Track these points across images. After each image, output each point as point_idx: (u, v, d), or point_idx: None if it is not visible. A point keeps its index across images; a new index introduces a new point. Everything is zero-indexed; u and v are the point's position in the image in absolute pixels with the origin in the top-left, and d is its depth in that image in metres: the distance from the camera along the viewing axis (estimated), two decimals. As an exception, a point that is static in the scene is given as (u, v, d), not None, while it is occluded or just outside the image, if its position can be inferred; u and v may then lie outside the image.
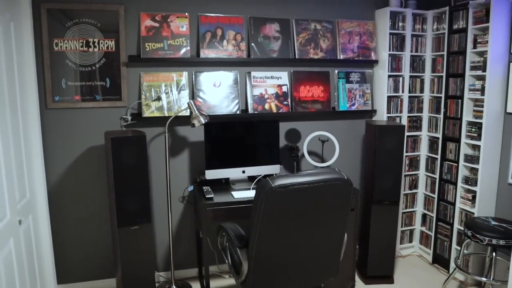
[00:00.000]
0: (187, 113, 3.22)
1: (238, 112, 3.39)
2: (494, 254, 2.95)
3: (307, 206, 2.23)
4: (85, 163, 3.20)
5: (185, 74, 3.26)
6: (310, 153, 3.71)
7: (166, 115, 3.22)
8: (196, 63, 3.31)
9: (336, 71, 3.70)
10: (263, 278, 2.35)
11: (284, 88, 3.52)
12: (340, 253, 2.55)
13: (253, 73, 3.43)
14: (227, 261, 2.67)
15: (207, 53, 3.26)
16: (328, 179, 2.24)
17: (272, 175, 2.53)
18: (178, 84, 3.24)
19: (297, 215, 2.23)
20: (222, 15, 3.30)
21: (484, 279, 2.97)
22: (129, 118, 3.16)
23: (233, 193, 3.07)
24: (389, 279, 3.55)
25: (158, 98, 3.21)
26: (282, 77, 3.51)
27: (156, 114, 3.21)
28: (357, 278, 3.58)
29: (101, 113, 3.19)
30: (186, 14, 3.21)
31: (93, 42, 3.07)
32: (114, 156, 2.71)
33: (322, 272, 2.51)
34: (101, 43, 3.08)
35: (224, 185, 3.31)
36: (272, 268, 2.34)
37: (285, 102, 3.52)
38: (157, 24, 3.14)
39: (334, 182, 2.26)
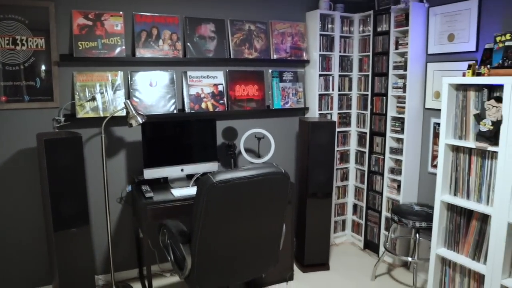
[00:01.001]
0: (124, 113, 3.19)
1: (175, 112, 3.41)
2: (417, 235, 3.23)
3: (248, 199, 2.32)
4: (14, 167, 3.06)
5: (120, 73, 3.22)
6: (247, 150, 3.81)
7: (102, 115, 3.16)
8: (131, 62, 3.28)
9: (270, 71, 3.83)
10: (206, 272, 2.41)
11: (220, 87, 3.59)
12: (280, 244, 2.67)
13: (189, 73, 3.47)
14: (169, 258, 2.69)
15: (142, 52, 3.25)
16: (267, 173, 2.35)
17: (210, 172, 2.59)
18: (113, 84, 3.20)
19: (238, 209, 2.32)
20: (157, 14, 3.30)
21: (409, 259, 3.24)
22: (62, 119, 3.07)
23: (173, 191, 3.09)
24: (325, 266, 3.74)
25: (93, 98, 3.15)
26: (218, 77, 3.58)
27: (91, 114, 3.14)
28: (295, 267, 3.74)
29: (31, 115, 3.06)
30: (121, 12, 3.18)
31: (21, 40, 2.94)
32: (49, 158, 2.63)
33: (263, 263, 2.62)
34: (30, 41, 2.96)
35: (163, 184, 3.32)
36: (215, 261, 2.41)
37: (221, 101, 3.59)
38: (90, 23, 3.08)
39: (273, 176, 2.37)
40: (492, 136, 2.47)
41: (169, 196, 3.01)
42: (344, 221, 4.37)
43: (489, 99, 2.51)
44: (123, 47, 3.18)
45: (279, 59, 3.80)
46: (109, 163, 3.34)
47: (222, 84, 3.59)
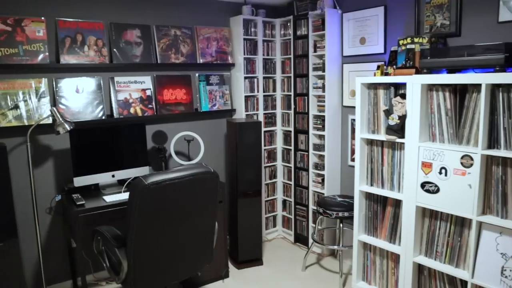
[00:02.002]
0: (50, 121, 3.13)
1: (103, 118, 3.40)
2: (341, 225, 3.48)
3: (180, 199, 2.41)
4: None
5: (44, 80, 3.16)
6: (177, 153, 3.88)
7: (26, 124, 3.09)
8: (56, 69, 3.24)
9: (197, 74, 3.93)
10: (143, 273, 2.47)
11: (148, 92, 3.63)
12: (213, 241, 2.79)
13: (116, 78, 3.47)
14: (105, 264, 2.70)
15: (67, 59, 3.21)
16: (196, 173, 2.45)
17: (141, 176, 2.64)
18: (37, 91, 3.14)
19: (171, 209, 2.40)
20: (81, 20, 3.28)
21: (335, 247, 3.48)
22: (-18, 129, 2.97)
23: (105, 197, 3.09)
24: (259, 261, 3.90)
25: (16, 107, 3.07)
26: (145, 82, 3.62)
27: (14, 123, 3.06)
28: (230, 264, 3.87)
29: None
30: (42, 18, 3.12)
31: None
32: (-30, 170, 2.55)
33: (198, 260, 2.72)
34: None
35: (94, 191, 3.30)
36: (151, 262, 2.47)
37: (150, 106, 3.64)
38: (9, 28, 3.00)
39: (202, 175, 2.48)
40: (399, 129, 2.76)
41: (101, 202, 3.01)
42: (275, 217, 4.56)
43: (395, 96, 2.80)
44: (47, 54, 3.13)
45: (205, 63, 3.92)
46: (36, 172, 3.26)
47: (150, 89, 3.63)
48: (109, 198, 3.06)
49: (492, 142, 2.39)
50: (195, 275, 3.42)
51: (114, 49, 3.42)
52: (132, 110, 3.54)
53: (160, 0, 3.68)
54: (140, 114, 3.57)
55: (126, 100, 3.51)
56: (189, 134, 3.71)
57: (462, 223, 2.60)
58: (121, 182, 3.43)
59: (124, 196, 3.07)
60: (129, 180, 3.38)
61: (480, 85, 2.36)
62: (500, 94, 2.30)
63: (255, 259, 3.90)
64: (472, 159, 2.42)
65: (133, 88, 3.56)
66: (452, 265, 2.67)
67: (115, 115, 3.46)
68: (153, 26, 3.62)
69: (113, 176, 3.34)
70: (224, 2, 4.05)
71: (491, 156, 2.39)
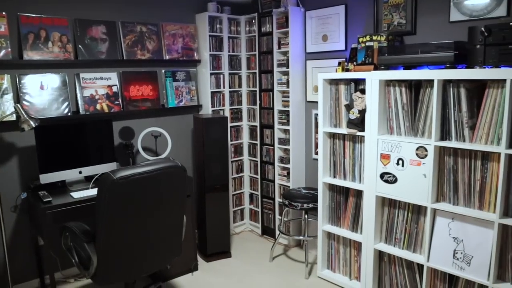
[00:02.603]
0: (14, 118, 3.10)
1: (69, 114, 3.39)
2: (306, 216, 3.61)
3: (148, 193, 2.46)
4: None
5: (7, 77, 3.12)
6: (144, 148, 3.90)
7: (-11, 121, 3.05)
8: (19, 65, 3.19)
9: (163, 71, 3.96)
10: (113, 267, 2.50)
11: (115, 88, 3.64)
12: (182, 234, 2.85)
13: (82, 75, 3.46)
14: (74, 260, 2.71)
15: (31, 55, 3.18)
16: (164, 167, 2.50)
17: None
18: None
19: (140, 203, 2.44)
20: (44, 16, 3.25)
21: (301, 237, 3.61)
22: None
23: (72, 194, 3.09)
24: (227, 254, 3.98)
25: (-22, 104, 3.02)
26: (111, 78, 3.62)
27: (-24, 120, 3.01)
28: (199, 258, 3.93)
29: None
30: (4, 13, 3.07)
31: None
32: None
33: (168, 254, 2.77)
34: None
35: (61, 188, 3.29)
36: (121, 256, 2.51)
37: (116, 102, 3.64)
38: (-31, 25, 2.95)
39: (170, 169, 2.53)
40: (360, 123, 2.90)
41: (69, 199, 3.01)
42: (242, 211, 4.65)
43: (355, 91, 2.93)
44: (9, 50, 3.09)
45: (172, 59, 3.95)
46: (0, 170, 3.23)
47: (116, 85, 3.64)
48: (77, 194, 3.06)
49: (444, 134, 2.55)
50: (164, 268, 3.47)
51: (79, 46, 3.41)
52: (98, 107, 3.54)
53: (125, -4, 3.69)
54: (106, 110, 3.58)
55: (92, 97, 3.51)
56: (156, 130, 3.74)
57: (418, 210, 2.77)
58: (88, 179, 3.42)
59: (92, 192, 3.08)
60: (96, 176, 3.39)
61: (433, 80, 2.52)
62: (451, 89, 2.46)
63: (223, 252, 3.98)
64: (426, 150, 2.58)
65: (99, 85, 3.55)
66: (410, 251, 2.84)
67: (81, 111, 3.45)
68: (119, 22, 3.63)
69: (80, 172, 3.34)
70: (190, -2, 4.10)
71: (444, 147, 2.56)
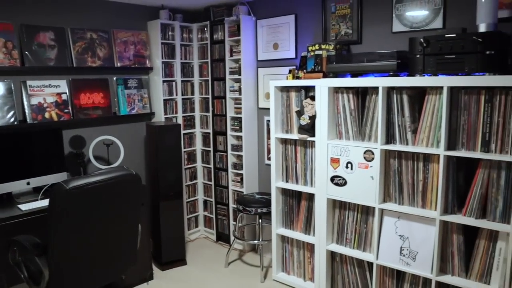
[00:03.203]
0: (-45, 127, 2.97)
1: (15, 123, 3.28)
2: (260, 221, 3.67)
3: (102, 203, 2.43)
4: None
5: None
6: (96, 157, 3.83)
7: None
8: (-40, 73, 3.07)
9: (114, 78, 3.91)
10: (66, 280, 2.45)
11: (64, 96, 3.56)
12: (137, 243, 2.83)
13: (29, 82, 3.36)
14: (23, 276, 2.62)
15: (-27, 62, 3.06)
16: (119, 175, 2.49)
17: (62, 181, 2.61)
18: None
19: (94, 213, 2.41)
20: (-13, 22, 3.14)
21: (255, 242, 3.67)
22: None
23: (20, 206, 2.99)
24: (183, 261, 3.98)
25: None
26: (61, 85, 3.54)
27: None
28: (154, 266, 3.89)
29: None
30: None
31: None
32: None
33: (123, 263, 2.74)
34: None
35: (7, 200, 3.17)
36: (75, 268, 2.46)
37: (66, 110, 3.57)
38: None
39: (125, 178, 2.52)
40: (310, 128, 3.01)
41: (16, 211, 2.90)
42: (196, 218, 4.65)
43: (306, 98, 3.04)
44: (-51, 57, 2.96)
45: (123, 66, 3.91)
46: None
47: (66, 93, 3.56)
48: (25, 207, 2.97)
49: (389, 138, 2.71)
50: (119, 279, 3.41)
51: (26, 52, 3.31)
52: (47, 115, 3.44)
53: (75, 2, 3.62)
54: (55, 119, 3.49)
55: (40, 105, 3.41)
56: (108, 138, 3.69)
57: (367, 211, 2.90)
58: (37, 190, 3.32)
59: (42, 203, 3.00)
60: (46, 187, 3.30)
61: (377, 88, 2.67)
62: (394, 95, 2.62)
63: (179, 260, 3.96)
64: (373, 153, 2.72)
65: (48, 92, 3.46)
66: (360, 250, 2.97)
67: (29, 120, 3.35)
68: (68, 28, 3.56)
69: (28, 183, 3.23)
70: (142, 6, 4.07)
71: (389, 150, 2.71)
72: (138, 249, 2.85)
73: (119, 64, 3.87)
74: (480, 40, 2.19)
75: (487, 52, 2.19)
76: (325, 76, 3.00)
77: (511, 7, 2.48)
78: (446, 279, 2.55)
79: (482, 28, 2.32)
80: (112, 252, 2.63)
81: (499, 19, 2.42)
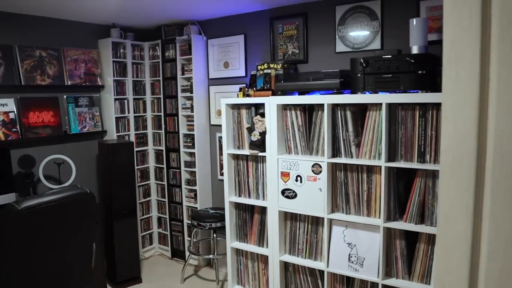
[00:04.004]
0: None
1: (-40, 144, 3.19)
2: (215, 235, 3.74)
3: (56, 223, 2.42)
4: None
5: None
6: (47, 177, 3.76)
7: None
8: None
9: (65, 96, 3.88)
10: (18, 301, 2.40)
11: (12, 115, 3.49)
12: (92, 263, 2.81)
13: (-26, 102, 3.29)
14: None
15: None
16: (72, 194, 2.49)
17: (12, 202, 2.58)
18: None
19: (48, 234, 2.39)
20: None
21: (211, 256, 3.72)
22: None
23: (-34, 228, 2.90)
24: (138, 279, 3.96)
25: None
26: (8, 104, 3.48)
27: None
28: (108, 286, 3.85)
29: None
30: None
31: None
32: None
33: (77, 284, 2.72)
34: None
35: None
36: (27, 290, 2.42)
37: (14, 129, 3.50)
38: None
39: (78, 196, 2.52)
40: (261, 144, 3.13)
41: (-39, 234, 2.81)
42: (151, 235, 4.64)
43: (256, 115, 3.17)
44: None
45: (74, 85, 3.89)
46: None
47: (13, 111, 3.50)
48: (-29, 229, 2.88)
49: (335, 151, 2.87)
50: (71, 300, 3.35)
51: (-29, 71, 3.25)
52: (-7, 135, 3.37)
53: (23, 19, 3.59)
54: (3, 138, 3.42)
55: (-13, 125, 3.34)
56: (58, 157, 3.65)
57: (316, 221, 3.04)
58: (-17, 212, 3.22)
59: (-11, 225, 2.92)
60: (-7, 209, 3.21)
61: (323, 104, 2.83)
62: (339, 112, 2.80)
63: (134, 278, 3.94)
64: (320, 166, 2.88)
65: (-6, 112, 3.40)
66: (312, 259, 3.10)
67: (-26, 140, 3.27)
68: (16, 46, 3.51)
69: (-27, 205, 3.14)
70: (92, 24, 4.08)
71: (335, 163, 2.87)
72: (93, 268, 2.84)
73: (69, 82, 3.85)
74: (412, 61, 2.41)
75: (419, 72, 2.40)
76: (273, 94, 3.14)
77: (439, 31, 2.74)
78: (392, 282, 2.72)
79: (414, 50, 2.55)
80: (67, 272, 2.60)
81: (429, 42, 2.66)
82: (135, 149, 4.34)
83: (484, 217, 0.72)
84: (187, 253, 4.31)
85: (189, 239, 4.23)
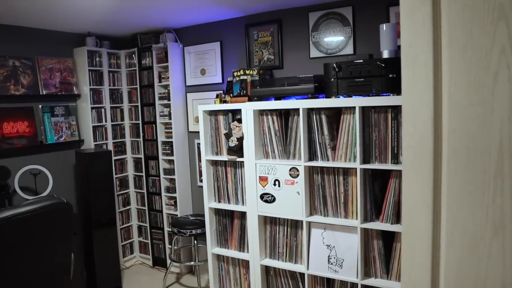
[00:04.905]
0: None
1: None
2: (195, 242, 3.74)
3: (32, 234, 2.38)
4: None
5: None
6: (23, 188, 3.71)
7: None
8: None
9: (40, 106, 3.84)
10: (-5, 315, 2.36)
11: (-15, 127, 3.44)
12: (70, 274, 2.78)
13: None
14: None
15: None
16: (48, 204, 2.45)
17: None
18: None
19: (23, 246, 2.35)
20: None
21: (192, 263, 3.72)
22: None
23: None
24: (117, 289, 3.93)
25: None
26: (-19, 116, 3.43)
27: None
28: (87, 297, 3.81)
29: None
30: None
31: None
32: None
33: (56, 294, 2.69)
34: None
35: None
36: (4, 303, 2.39)
37: (-12, 141, 3.45)
38: None
39: (55, 207, 2.48)
40: (239, 149, 3.16)
41: None
42: (131, 244, 4.61)
43: (233, 120, 3.20)
44: None
45: (49, 94, 3.86)
46: None
47: (-13, 123, 3.45)
48: None
49: (312, 155, 2.92)
50: (50, 312, 3.30)
51: None
52: (-33, 147, 3.31)
53: (-5, 31, 3.55)
54: (-24, 150, 3.37)
55: (-41, 136, 3.28)
56: (34, 167, 3.60)
57: (296, 225, 3.08)
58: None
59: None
60: (-33, 222, 3.14)
61: (298, 109, 2.88)
62: (314, 116, 2.85)
63: (114, 288, 3.91)
64: (298, 170, 2.92)
65: (-33, 123, 3.34)
66: (292, 262, 3.13)
67: None
68: (-12, 57, 3.47)
69: None
70: (67, 33, 4.05)
71: (312, 166, 2.92)
72: (72, 280, 2.81)
73: (44, 92, 3.82)
74: (383, 65, 2.48)
75: (390, 75, 2.47)
76: (250, 99, 3.17)
77: (409, 35, 2.82)
78: (371, 281, 2.77)
79: (385, 54, 2.62)
80: (43, 285, 2.57)
81: (399, 46, 2.73)
82: (114, 158, 4.31)
83: (442, 210, 0.77)
84: (168, 261, 4.29)
85: (170, 246, 4.22)
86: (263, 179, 3.09)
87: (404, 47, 0.82)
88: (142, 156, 4.36)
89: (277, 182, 3.03)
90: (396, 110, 2.55)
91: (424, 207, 0.79)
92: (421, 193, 0.79)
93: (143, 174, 4.38)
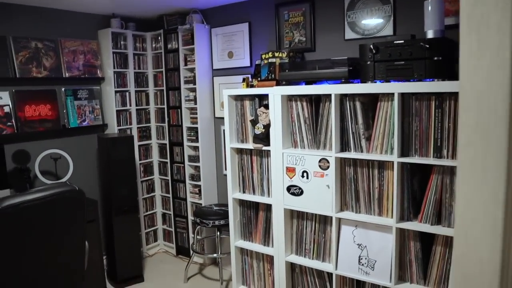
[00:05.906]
0: None
1: (-48, 138, 3.08)
2: (219, 233, 3.57)
3: (42, 222, 2.27)
4: None
5: None
6: (44, 172, 3.64)
7: None
8: None
9: (63, 89, 3.74)
10: (4, 306, 2.28)
11: (7, 109, 3.36)
12: (84, 263, 2.67)
13: (-33, 95, 3.17)
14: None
15: None
16: (59, 192, 2.33)
17: None
18: None
19: (32, 234, 2.24)
20: None
21: (214, 255, 3.56)
22: None
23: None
24: (140, 278, 3.82)
25: None
26: (2, 97, 3.35)
27: None
28: (109, 285, 3.72)
29: None
30: None
31: None
32: None
33: (68, 284, 2.58)
34: None
35: None
36: (15, 293, 2.29)
37: (9, 123, 3.37)
38: None
39: (65, 194, 2.36)
40: (265, 138, 2.94)
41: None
42: (155, 232, 4.50)
43: (260, 106, 2.98)
44: None
45: (72, 77, 3.75)
46: None
47: (8, 105, 3.37)
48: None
49: (344, 145, 2.67)
50: (68, 301, 3.23)
51: (-37, 63, 3.12)
52: (-12, 129, 3.25)
53: (18, 9, 3.44)
54: (-3, 132, 3.29)
55: (-20, 118, 3.22)
56: (55, 152, 3.51)
57: (324, 220, 2.85)
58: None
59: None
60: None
61: (330, 95, 2.63)
62: (347, 102, 2.59)
63: (135, 276, 3.81)
64: (328, 162, 2.68)
65: (-12, 105, 3.27)
66: (319, 260, 2.91)
67: (-33, 135, 3.15)
68: (10, 37, 3.37)
69: (-33, 202, 3.02)
70: (91, 14, 3.93)
71: (344, 158, 2.67)
72: (91, 267, 2.70)
73: (67, 75, 3.71)
74: (427, 46, 2.19)
75: (435, 58, 2.18)
76: (278, 84, 2.95)
77: (457, 14, 2.51)
78: (405, 287, 2.52)
79: (430, 34, 2.33)
80: (57, 274, 2.46)
81: (446, 26, 2.43)
82: (138, 143, 4.19)
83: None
84: (191, 251, 4.16)
85: (193, 236, 4.08)
86: (290, 170, 2.87)
87: (465, 6, 0.56)
88: (167, 142, 4.22)
89: (305, 174, 2.80)
90: (441, 97, 2.26)
91: (489, 218, 0.56)
92: (483, 201, 0.55)
93: (168, 160, 4.24)
